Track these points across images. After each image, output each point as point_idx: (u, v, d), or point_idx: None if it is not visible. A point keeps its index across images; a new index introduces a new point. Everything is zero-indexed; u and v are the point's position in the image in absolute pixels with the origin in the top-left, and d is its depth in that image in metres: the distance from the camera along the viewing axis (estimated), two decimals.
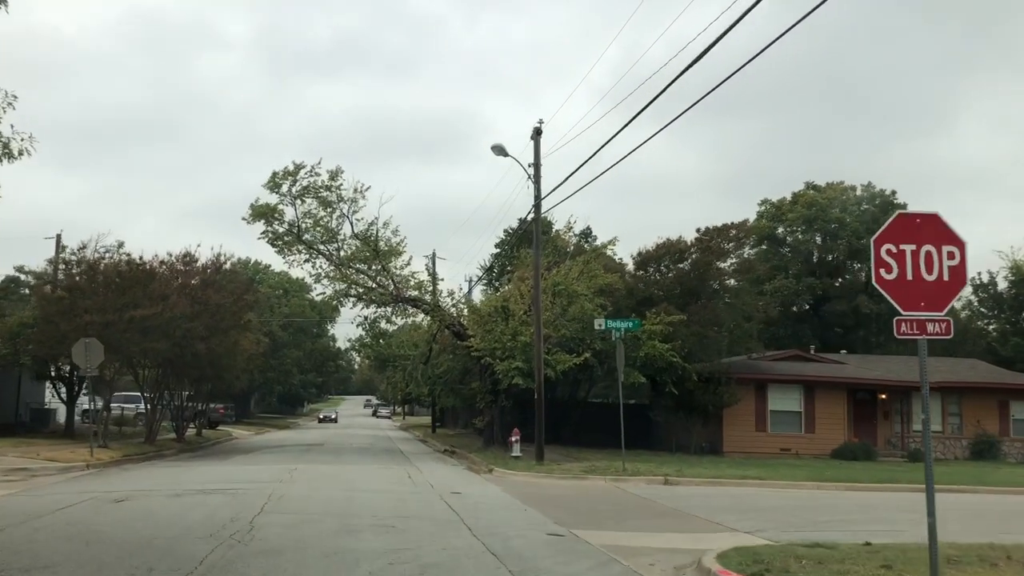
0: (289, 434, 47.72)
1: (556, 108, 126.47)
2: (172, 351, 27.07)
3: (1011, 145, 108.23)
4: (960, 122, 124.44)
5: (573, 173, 22.41)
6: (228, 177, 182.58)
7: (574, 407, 35.52)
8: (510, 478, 19.72)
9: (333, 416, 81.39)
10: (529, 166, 22.35)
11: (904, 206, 44.91)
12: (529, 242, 45.97)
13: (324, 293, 28.80)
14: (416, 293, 28.97)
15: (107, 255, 28.28)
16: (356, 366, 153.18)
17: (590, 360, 25.28)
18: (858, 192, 45.98)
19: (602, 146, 18.46)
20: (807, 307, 38.89)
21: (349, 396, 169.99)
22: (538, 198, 22.23)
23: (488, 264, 46.58)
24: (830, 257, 44.35)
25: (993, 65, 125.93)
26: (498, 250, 48.44)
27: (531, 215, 23.14)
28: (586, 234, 45.15)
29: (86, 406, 43.21)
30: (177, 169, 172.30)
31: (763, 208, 43.55)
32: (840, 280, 44.10)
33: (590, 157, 20.91)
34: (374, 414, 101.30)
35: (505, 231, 52.73)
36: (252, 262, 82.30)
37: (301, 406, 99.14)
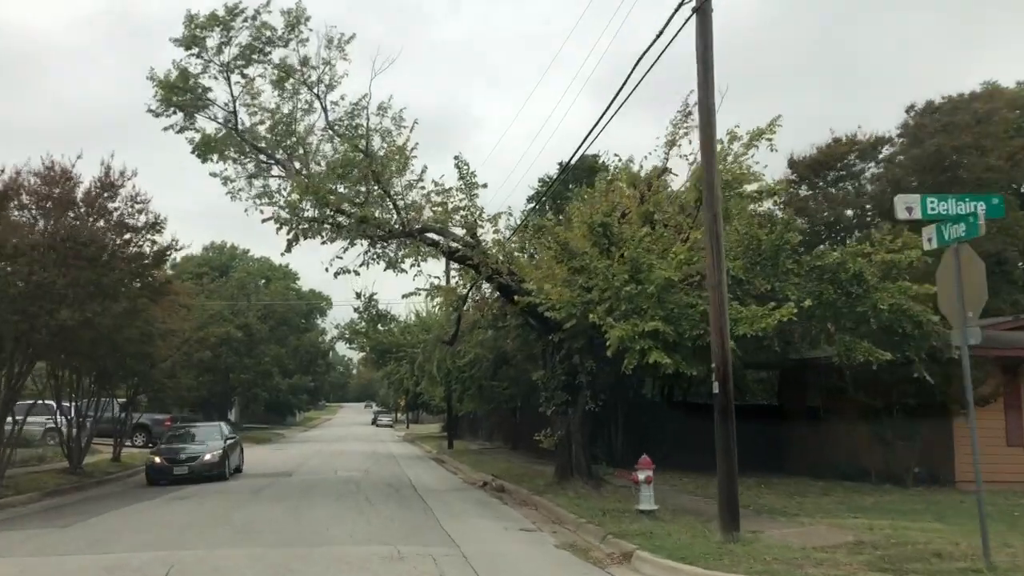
0: (259, 454, 35.62)
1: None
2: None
3: None
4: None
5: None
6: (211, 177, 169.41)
7: (669, 413, 23.64)
8: None
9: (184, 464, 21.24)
10: None
11: None
12: (579, 181, 33.93)
13: (275, 218, 16.49)
14: (434, 221, 16.82)
15: None
16: (354, 370, 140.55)
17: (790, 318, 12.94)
18: None
19: None
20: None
21: (347, 403, 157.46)
22: None
23: (522, 221, 34.50)
24: None
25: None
26: (533, 204, 36.48)
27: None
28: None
29: None
30: (159, 170, 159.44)
31: (911, 120, 28.81)
32: None
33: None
34: (374, 422, 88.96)
35: (540, 180, 40.95)
36: (228, 245, 70.42)
37: (292, 415, 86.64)
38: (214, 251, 66.32)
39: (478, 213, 15.96)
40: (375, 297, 26.17)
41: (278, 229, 16.17)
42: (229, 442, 22.85)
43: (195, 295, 48.13)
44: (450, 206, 15.99)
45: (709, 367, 13.13)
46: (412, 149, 17.37)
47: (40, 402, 23.44)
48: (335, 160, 17.34)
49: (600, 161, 31.07)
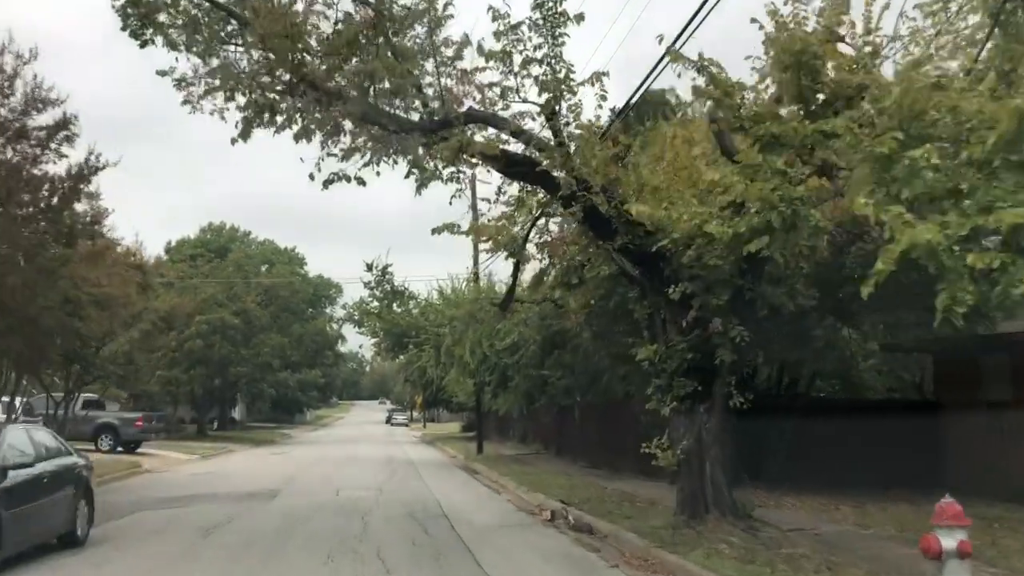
0: (252, 459, 29.60)
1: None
2: None
3: None
4: None
5: None
6: (221, 176, 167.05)
7: (787, 410, 17.27)
8: None
9: None
10: None
11: None
12: (644, 118, 27.38)
13: (225, 85, 10.27)
14: (483, 103, 10.47)
15: None
16: (367, 366, 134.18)
17: None
18: None
19: None
20: None
21: (361, 400, 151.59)
22: None
23: (623, 108, 27.79)
24: None
25: None
26: None
27: None
28: None
29: None
30: (166, 168, 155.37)
31: None
32: None
33: None
34: (388, 421, 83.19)
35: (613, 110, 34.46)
36: (227, 227, 64.20)
37: (301, 413, 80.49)
38: (212, 232, 60.34)
39: (564, 71, 9.46)
40: (389, 269, 20.17)
41: (227, 98, 9.92)
42: (16, 479, 8.48)
43: (189, 277, 42.32)
44: (517, 59, 9.51)
45: None
46: (447, 4, 11.08)
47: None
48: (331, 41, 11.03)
49: (669, 100, 24.69)
